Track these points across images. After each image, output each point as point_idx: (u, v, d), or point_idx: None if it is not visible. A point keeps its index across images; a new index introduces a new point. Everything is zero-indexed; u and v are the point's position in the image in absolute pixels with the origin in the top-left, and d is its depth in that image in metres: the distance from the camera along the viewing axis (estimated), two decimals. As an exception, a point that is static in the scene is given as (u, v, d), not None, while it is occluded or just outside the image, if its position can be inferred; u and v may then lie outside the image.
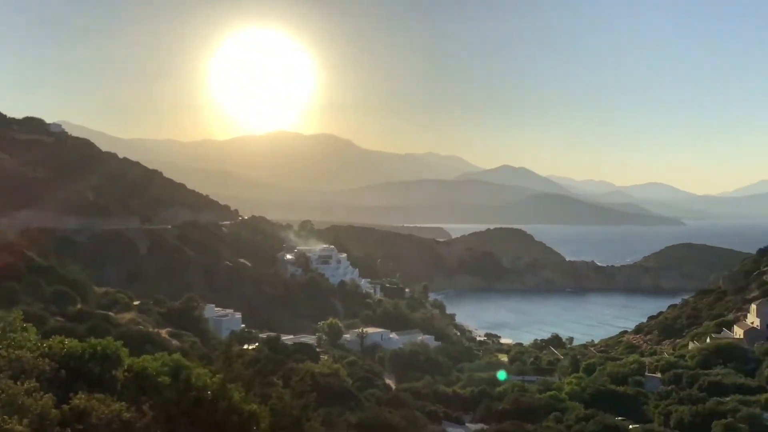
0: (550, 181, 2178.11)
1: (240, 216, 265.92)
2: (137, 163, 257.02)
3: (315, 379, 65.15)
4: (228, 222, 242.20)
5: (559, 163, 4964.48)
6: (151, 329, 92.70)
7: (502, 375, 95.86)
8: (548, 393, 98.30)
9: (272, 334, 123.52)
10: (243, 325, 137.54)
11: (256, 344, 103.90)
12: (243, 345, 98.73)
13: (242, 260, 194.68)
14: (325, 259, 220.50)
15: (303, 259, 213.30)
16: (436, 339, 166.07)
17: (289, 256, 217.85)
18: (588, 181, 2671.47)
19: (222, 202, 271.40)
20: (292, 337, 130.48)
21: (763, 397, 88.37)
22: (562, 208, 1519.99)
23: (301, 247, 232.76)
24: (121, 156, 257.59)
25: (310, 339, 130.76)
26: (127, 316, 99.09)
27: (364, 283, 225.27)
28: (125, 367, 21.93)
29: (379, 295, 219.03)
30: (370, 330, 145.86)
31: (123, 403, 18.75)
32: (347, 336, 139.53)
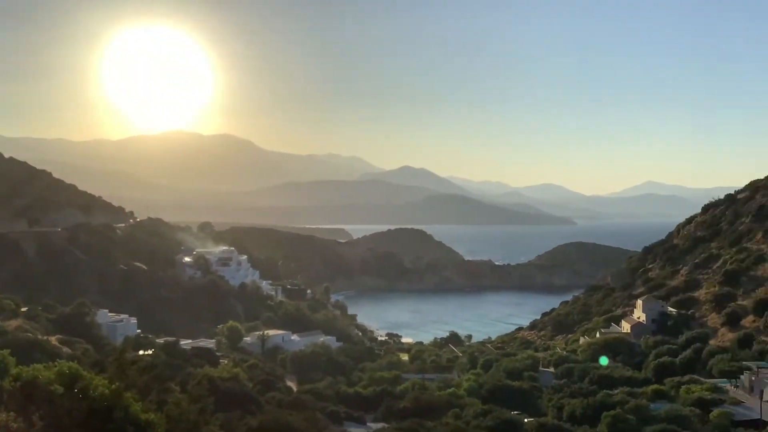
0: (449, 182, 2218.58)
1: (135, 218, 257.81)
2: (24, 163, 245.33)
3: (214, 383, 64.15)
4: (122, 224, 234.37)
5: (458, 165, 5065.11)
6: (40, 336, 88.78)
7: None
8: (448, 390, 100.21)
9: (170, 338, 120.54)
10: (138, 331, 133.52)
11: (152, 350, 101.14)
12: (138, 351, 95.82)
13: (137, 263, 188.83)
14: (224, 261, 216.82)
15: (202, 262, 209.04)
16: (338, 340, 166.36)
17: (187, 259, 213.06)
18: (485, 182, 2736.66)
19: (116, 204, 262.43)
20: (190, 341, 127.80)
21: (649, 388, 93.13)
22: (461, 208, 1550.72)
23: (200, 250, 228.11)
24: (6, 155, 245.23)
25: (209, 343, 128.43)
26: (14, 323, 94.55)
27: (266, 285, 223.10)
28: (13, 376, 21.00)
29: (280, 297, 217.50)
30: (272, 332, 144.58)
31: (11, 413, 17.97)
32: (248, 339, 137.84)
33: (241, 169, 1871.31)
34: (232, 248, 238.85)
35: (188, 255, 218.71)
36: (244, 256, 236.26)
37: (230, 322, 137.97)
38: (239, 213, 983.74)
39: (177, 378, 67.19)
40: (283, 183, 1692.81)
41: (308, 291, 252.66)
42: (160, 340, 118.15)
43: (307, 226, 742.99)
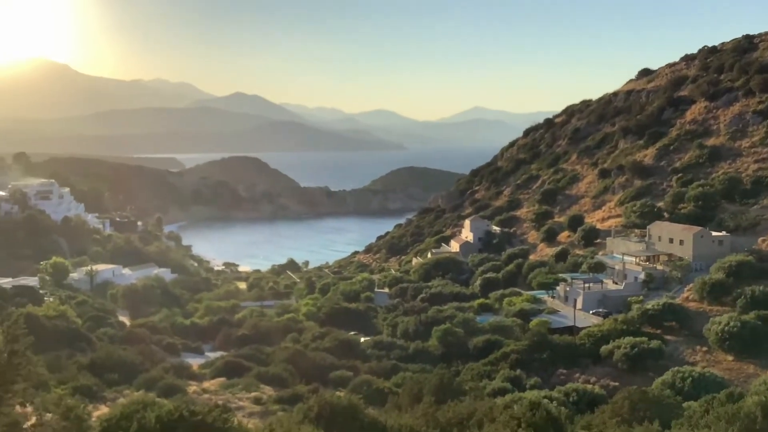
0: (283, 109, 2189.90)
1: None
2: None
3: (38, 322, 60.81)
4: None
5: (293, 91, 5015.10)
6: None
7: None
8: (286, 316, 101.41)
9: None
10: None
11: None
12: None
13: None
14: (44, 195, 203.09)
15: (19, 196, 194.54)
16: (173, 272, 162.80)
17: (2, 193, 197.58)
18: (320, 108, 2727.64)
19: None
20: (10, 280, 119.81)
21: (476, 302, 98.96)
22: (296, 135, 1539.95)
23: (16, 183, 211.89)
24: None
25: (31, 281, 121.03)
26: None
27: (92, 219, 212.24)
28: None
29: (108, 230, 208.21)
30: (101, 267, 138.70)
31: None
32: (75, 275, 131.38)
33: (59, 96, 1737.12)
34: (52, 180, 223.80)
35: (2, 189, 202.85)
36: (66, 189, 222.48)
37: (54, 259, 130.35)
38: (58, 143, 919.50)
39: (-4, 319, 62.98)
40: (108, 110, 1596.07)
41: (139, 223, 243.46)
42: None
43: (136, 156, 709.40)
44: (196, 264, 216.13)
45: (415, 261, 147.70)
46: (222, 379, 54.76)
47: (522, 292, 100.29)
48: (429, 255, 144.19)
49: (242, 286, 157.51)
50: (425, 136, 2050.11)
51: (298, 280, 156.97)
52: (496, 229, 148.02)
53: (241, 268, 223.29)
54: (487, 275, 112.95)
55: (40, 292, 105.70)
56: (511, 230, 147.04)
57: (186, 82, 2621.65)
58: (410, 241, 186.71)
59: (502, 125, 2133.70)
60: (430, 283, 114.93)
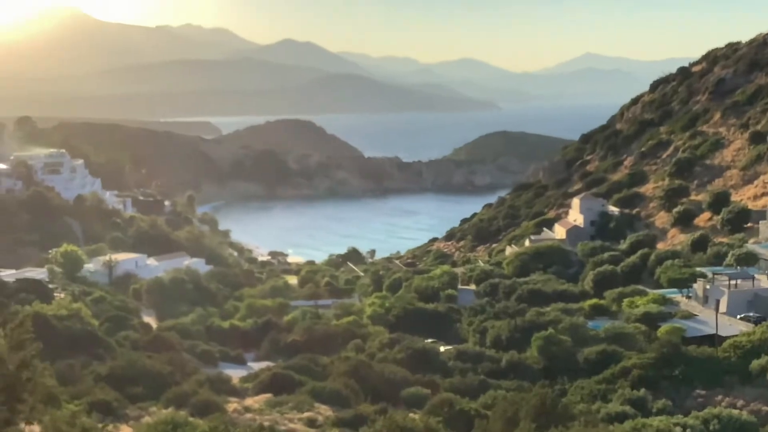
0: (342, 59, 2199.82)
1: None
2: None
3: (47, 323, 62.96)
4: None
5: (354, 37, 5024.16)
6: None
7: None
8: (346, 318, 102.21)
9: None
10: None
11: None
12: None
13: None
14: (54, 168, 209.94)
15: (23, 169, 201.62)
16: (208, 262, 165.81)
17: (2, 166, 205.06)
18: (388, 57, 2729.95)
19: None
20: (14, 272, 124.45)
21: (587, 303, 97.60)
22: (359, 92, 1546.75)
23: (20, 153, 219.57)
24: None
25: (39, 273, 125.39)
26: None
27: (110, 197, 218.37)
28: None
29: (130, 212, 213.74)
30: (121, 256, 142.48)
31: None
32: (90, 266, 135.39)
33: (70, 48, 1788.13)
34: (63, 151, 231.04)
35: (4, 161, 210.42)
36: (80, 161, 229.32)
37: (65, 246, 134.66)
38: (69, 105, 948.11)
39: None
40: (128, 64, 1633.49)
41: (166, 203, 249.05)
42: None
43: (163, 120, 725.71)
44: (235, 253, 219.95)
45: (508, 250, 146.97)
46: (268, 396, 55.63)
47: (647, 290, 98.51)
48: (527, 243, 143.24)
49: (292, 280, 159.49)
50: (522, 92, 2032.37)
51: (362, 274, 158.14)
52: (613, 209, 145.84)
53: (290, 259, 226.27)
54: (602, 269, 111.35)
55: (49, 286, 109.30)
56: (634, 211, 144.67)
57: (222, 28, 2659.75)
58: (503, 226, 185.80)
59: (621, 76, 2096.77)
60: (527, 279, 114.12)
